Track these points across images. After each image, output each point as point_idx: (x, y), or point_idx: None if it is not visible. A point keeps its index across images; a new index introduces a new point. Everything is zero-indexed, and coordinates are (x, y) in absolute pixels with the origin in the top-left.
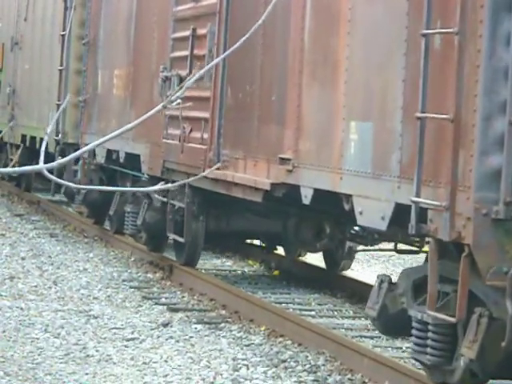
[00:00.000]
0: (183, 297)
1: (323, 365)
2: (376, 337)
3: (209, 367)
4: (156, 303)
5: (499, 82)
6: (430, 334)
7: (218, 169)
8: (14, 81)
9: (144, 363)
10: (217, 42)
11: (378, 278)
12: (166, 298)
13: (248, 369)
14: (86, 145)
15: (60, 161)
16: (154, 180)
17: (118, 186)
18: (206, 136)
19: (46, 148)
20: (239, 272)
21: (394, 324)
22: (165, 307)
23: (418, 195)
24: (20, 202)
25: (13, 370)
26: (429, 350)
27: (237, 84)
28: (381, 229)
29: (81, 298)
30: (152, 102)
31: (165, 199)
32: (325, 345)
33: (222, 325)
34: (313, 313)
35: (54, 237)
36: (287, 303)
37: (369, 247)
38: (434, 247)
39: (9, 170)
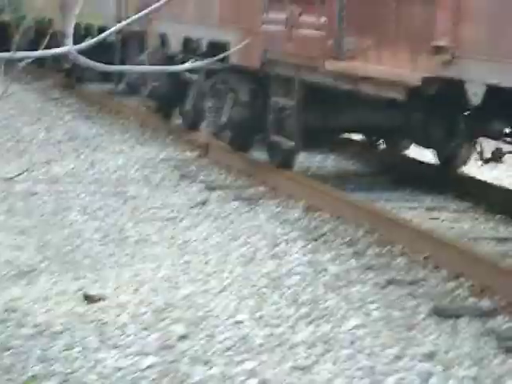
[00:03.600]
0: (220, 174)
1: (362, 237)
2: (414, 208)
3: (248, 243)
4: (193, 182)
5: None
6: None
7: (341, 60)
8: None
9: (183, 242)
10: None
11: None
12: (203, 176)
13: (287, 243)
14: (157, 33)
15: (89, 41)
16: (242, 74)
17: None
18: (322, 20)
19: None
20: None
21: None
22: (202, 185)
23: None
24: (55, 87)
25: (52, 253)
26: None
27: None
28: None
29: (118, 179)
30: None
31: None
32: (363, 217)
33: (260, 201)
34: (351, 185)
35: (90, 119)
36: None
37: None
38: None
39: (30, 54)
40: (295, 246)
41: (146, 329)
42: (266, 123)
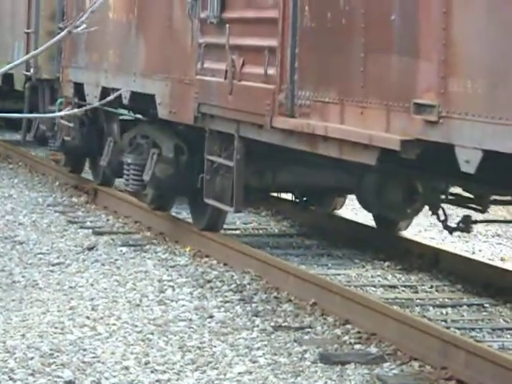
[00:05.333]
0: (108, 220)
1: (249, 284)
2: (301, 255)
3: (135, 289)
4: (81, 227)
5: None
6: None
7: (293, 116)
8: None
9: (70, 287)
10: None
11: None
12: (90, 222)
13: (174, 290)
14: (70, 81)
15: None
16: (165, 128)
17: (104, 132)
18: (271, 71)
19: (13, 85)
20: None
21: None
22: (90, 231)
23: None
24: None
25: None
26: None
27: None
28: None
29: (6, 224)
30: (172, 26)
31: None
32: (250, 264)
33: (147, 247)
34: (238, 232)
35: None
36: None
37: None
38: None
39: None
40: (182, 293)
41: (32, 374)
42: (192, 182)
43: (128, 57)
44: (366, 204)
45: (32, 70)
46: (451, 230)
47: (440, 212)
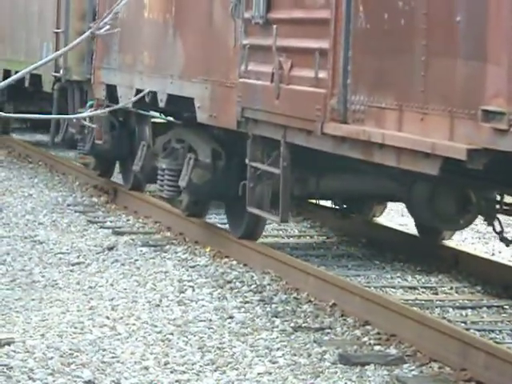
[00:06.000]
0: (128, 220)
1: (269, 284)
2: (321, 255)
3: (154, 289)
4: (101, 227)
5: None
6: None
7: (345, 122)
8: None
9: (90, 287)
10: None
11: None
12: (110, 222)
13: (194, 290)
14: (102, 83)
15: None
16: (201, 131)
17: (135, 135)
18: (322, 75)
19: (41, 86)
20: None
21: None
22: (110, 231)
23: None
24: None
25: None
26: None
27: None
28: None
29: (26, 224)
30: (212, 27)
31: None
32: (270, 265)
33: (167, 247)
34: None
35: None
36: None
37: None
38: None
39: None
40: (202, 293)
41: (52, 374)
42: (229, 188)
43: (165, 58)
44: (416, 213)
45: (62, 71)
46: (508, 243)
47: (496, 223)
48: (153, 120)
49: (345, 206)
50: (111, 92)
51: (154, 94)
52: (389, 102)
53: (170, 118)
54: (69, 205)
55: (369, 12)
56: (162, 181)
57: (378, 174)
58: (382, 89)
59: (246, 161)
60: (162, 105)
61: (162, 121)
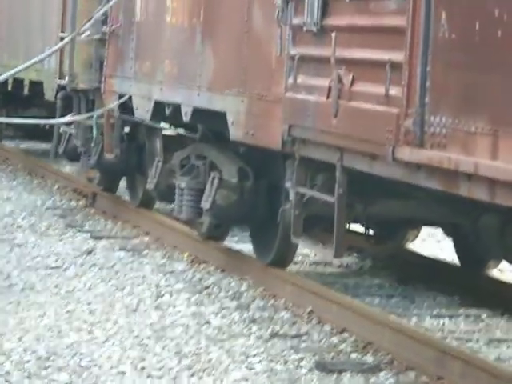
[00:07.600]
0: (106, 224)
1: (246, 291)
2: (299, 262)
3: (132, 294)
4: (80, 231)
5: None
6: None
7: (422, 147)
8: None
9: (67, 291)
10: None
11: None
12: (89, 226)
13: (171, 295)
14: (115, 92)
15: None
16: (224, 147)
17: (145, 149)
18: (393, 92)
19: (42, 95)
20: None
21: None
22: (88, 235)
23: None
24: None
25: None
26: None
27: (464, 4)
28: None
29: (4, 227)
30: (250, 34)
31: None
32: (247, 271)
33: (146, 252)
34: (235, 238)
35: None
36: None
37: None
38: None
39: None
40: (179, 298)
41: (29, 377)
42: (257, 211)
43: (190, 67)
44: (482, 246)
45: (67, 79)
46: None
47: None
48: (163, 133)
49: (381, 232)
50: (124, 102)
51: (176, 107)
52: (480, 125)
53: (181, 130)
54: (47, 208)
55: (453, 20)
56: (180, 201)
57: (434, 201)
58: (470, 110)
59: (287, 184)
60: (186, 119)
61: (173, 134)
